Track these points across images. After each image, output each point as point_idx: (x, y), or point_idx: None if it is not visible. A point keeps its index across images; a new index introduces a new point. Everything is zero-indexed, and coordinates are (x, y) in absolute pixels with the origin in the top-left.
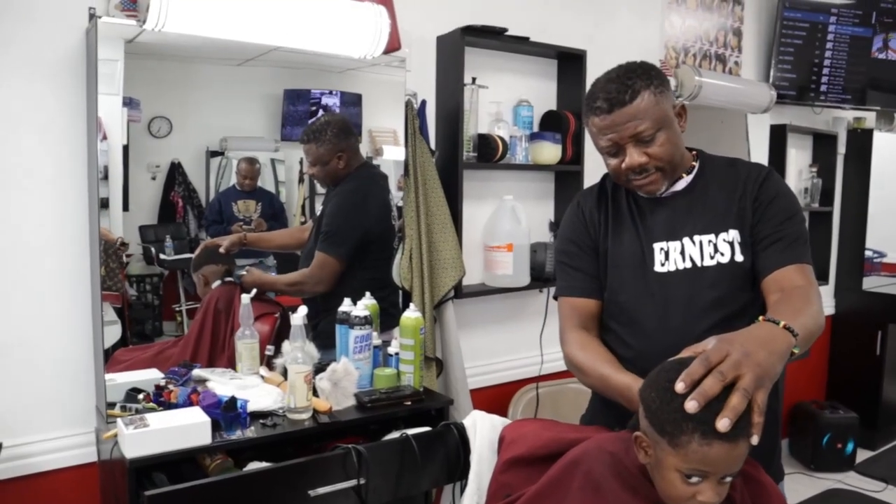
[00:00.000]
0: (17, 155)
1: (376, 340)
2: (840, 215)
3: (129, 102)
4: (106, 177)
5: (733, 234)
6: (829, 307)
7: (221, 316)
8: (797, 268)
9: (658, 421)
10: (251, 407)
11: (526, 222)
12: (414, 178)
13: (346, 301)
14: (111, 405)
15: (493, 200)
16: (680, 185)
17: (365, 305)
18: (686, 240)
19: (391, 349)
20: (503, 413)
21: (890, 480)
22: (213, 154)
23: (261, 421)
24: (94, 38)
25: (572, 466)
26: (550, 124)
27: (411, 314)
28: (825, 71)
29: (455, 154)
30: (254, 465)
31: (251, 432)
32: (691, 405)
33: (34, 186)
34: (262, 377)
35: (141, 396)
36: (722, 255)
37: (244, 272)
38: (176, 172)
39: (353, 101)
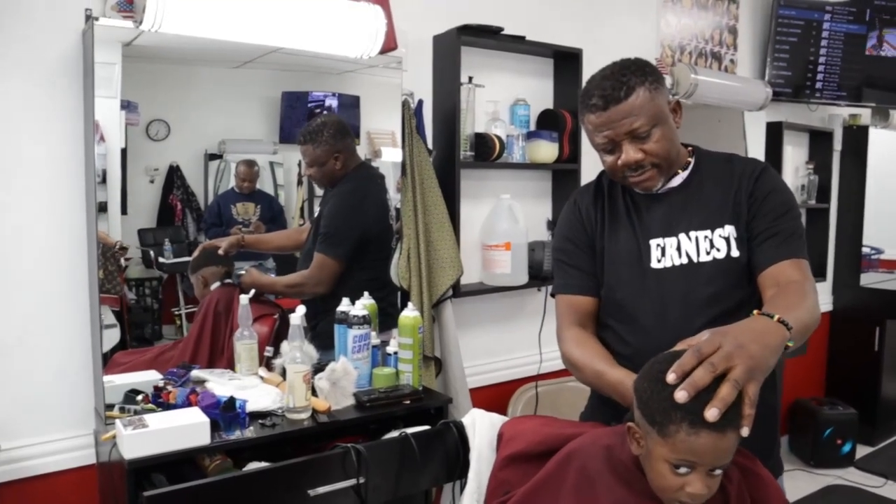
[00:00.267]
0: (14, 158)
1: (375, 340)
2: (837, 212)
3: (126, 105)
4: (104, 180)
5: (729, 230)
6: (827, 304)
7: (221, 318)
8: (793, 263)
9: (649, 411)
10: (250, 407)
11: (523, 221)
12: (411, 178)
13: (345, 301)
14: (110, 407)
15: (490, 199)
16: (676, 181)
17: (363, 305)
18: (682, 236)
19: (390, 348)
20: (502, 412)
21: (890, 476)
22: (212, 157)
23: (260, 421)
24: (91, 39)
25: (567, 461)
26: (547, 123)
27: (410, 313)
28: (820, 68)
29: (452, 153)
30: (253, 466)
31: (250, 432)
32: (681, 395)
33: (32, 189)
34: (261, 378)
35: (140, 398)
36: (718, 250)
37: (243, 272)
38: (174, 175)
39: (351, 104)
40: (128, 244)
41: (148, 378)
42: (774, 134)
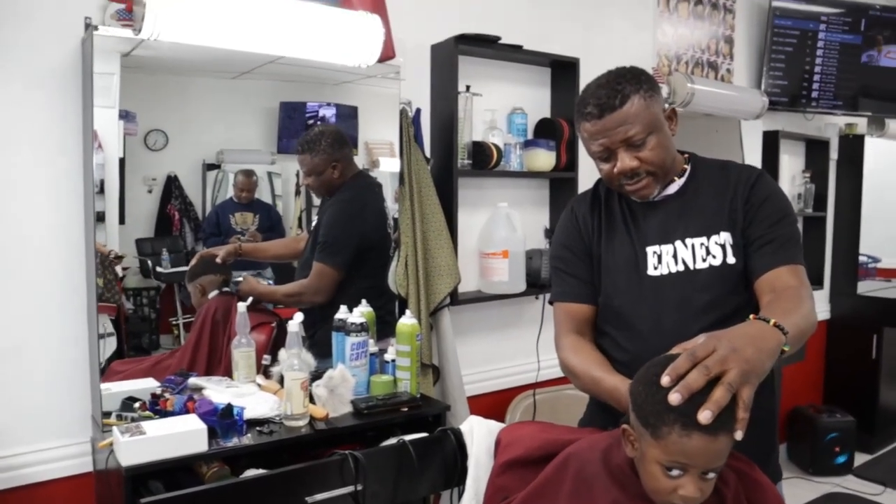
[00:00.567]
0: (12, 166)
1: (373, 348)
2: (834, 220)
3: (125, 115)
4: (102, 190)
5: (725, 237)
6: (824, 312)
7: (219, 326)
8: (789, 269)
9: (643, 413)
10: (248, 414)
11: (521, 229)
12: (409, 186)
13: (342, 308)
14: (107, 414)
15: (487, 208)
16: (672, 188)
17: (361, 313)
18: (678, 243)
19: (388, 356)
20: (500, 420)
21: (888, 483)
22: (210, 167)
23: (257, 428)
24: (90, 48)
25: (564, 465)
26: (544, 132)
27: (407, 321)
28: (816, 78)
29: (450, 162)
30: (250, 473)
31: (248, 439)
32: (674, 397)
33: (30, 198)
34: (259, 385)
35: (137, 405)
36: (714, 257)
37: (240, 279)
38: (172, 185)
39: (349, 114)
40: (124, 253)
41: (145, 386)
42: (771, 143)
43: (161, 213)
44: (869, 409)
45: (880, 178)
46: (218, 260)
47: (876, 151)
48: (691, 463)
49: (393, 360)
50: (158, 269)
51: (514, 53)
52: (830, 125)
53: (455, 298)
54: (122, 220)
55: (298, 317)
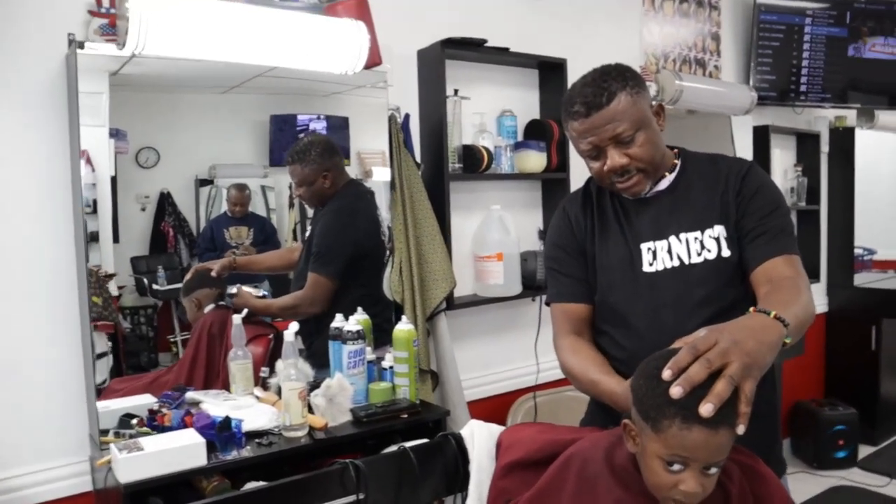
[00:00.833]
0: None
1: (370, 356)
2: (828, 213)
3: (115, 134)
4: (95, 210)
5: (719, 230)
6: (821, 305)
7: (215, 340)
8: (784, 259)
9: (644, 407)
10: (246, 427)
11: (514, 231)
12: (400, 192)
13: (338, 317)
14: (104, 432)
15: (480, 211)
16: (663, 184)
17: (357, 320)
18: (672, 238)
19: (385, 363)
20: (501, 424)
21: (894, 475)
22: (203, 182)
23: (256, 440)
24: (74, 65)
25: (567, 465)
26: (534, 133)
27: (404, 326)
28: (804, 71)
29: (440, 166)
30: (251, 486)
31: (247, 452)
32: (676, 391)
33: (18, 219)
34: (257, 397)
35: (134, 421)
36: (709, 251)
37: (234, 290)
38: (165, 202)
39: (340, 125)
40: (115, 272)
41: (142, 402)
42: (762, 138)
43: (155, 231)
44: (870, 401)
45: (871, 169)
46: (213, 274)
47: (866, 144)
48: (692, 457)
49: (391, 367)
50: (155, 286)
51: (501, 56)
52: (820, 118)
53: (451, 303)
54: (116, 239)
55: (294, 326)
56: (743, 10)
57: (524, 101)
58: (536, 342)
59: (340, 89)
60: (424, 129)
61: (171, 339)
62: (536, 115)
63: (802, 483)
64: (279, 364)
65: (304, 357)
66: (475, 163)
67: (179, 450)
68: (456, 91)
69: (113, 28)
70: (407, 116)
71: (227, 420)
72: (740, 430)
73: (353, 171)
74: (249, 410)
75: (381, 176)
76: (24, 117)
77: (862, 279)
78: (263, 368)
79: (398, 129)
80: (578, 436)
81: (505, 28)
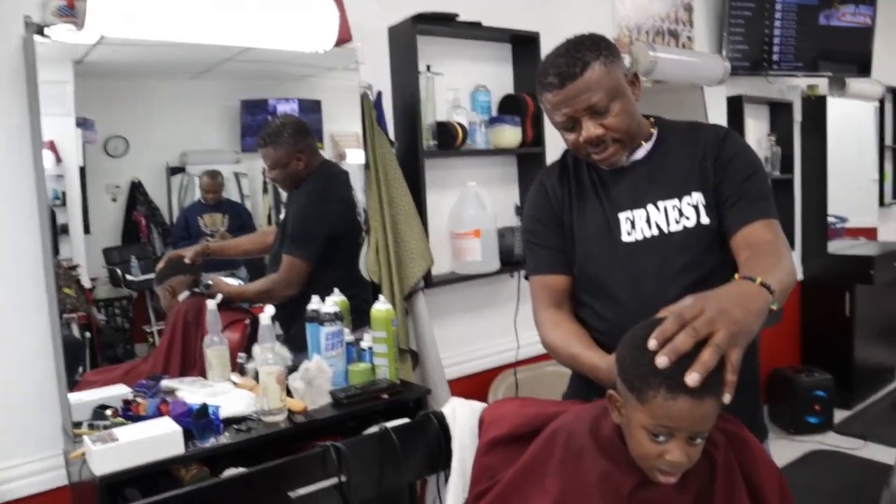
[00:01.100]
0: None
1: (349, 337)
2: (801, 182)
3: (83, 123)
4: (64, 202)
5: (697, 197)
6: (797, 273)
7: (191, 328)
8: (764, 223)
9: (628, 377)
10: (224, 413)
11: (491, 207)
12: (375, 171)
13: (315, 299)
14: (78, 424)
15: (456, 188)
16: (640, 153)
17: (334, 302)
18: (650, 207)
19: (364, 344)
20: (483, 401)
21: (868, 437)
22: (174, 170)
23: (235, 426)
24: (32, 49)
25: (551, 440)
26: (509, 108)
27: (382, 306)
28: (776, 41)
29: (415, 143)
30: (231, 472)
31: (225, 438)
32: (661, 360)
33: None
34: (234, 383)
35: (109, 412)
36: (687, 218)
37: (208, 281)
38: (137, 192)
39: (312, 108)
40: (79, 262)
41: (117, 392)
42: (735, 108)
43: (127, 221)
44: (845, 366)
45: (843, 138)
46: (186, 260)
47: (838, 112)
48: (677, 427)
49: (370, 348)
50: (129, 277)
51: (474, 30)
52: (793, 88)
53: (429, 281)
54: (87, 230)
55: (269, 310)
56: None
57: (498, 76)
58: (516, 318)
59: (312, 72)
60: (397, 106)
61: (147, 330)
62: (510, 90)
63: (780, 448)
64: (256, 348)
65: (282, 341)
66: (450, 139)
67: (155, 439)
68: (428, 67)
69: (71, 9)
70: (379, 94)
71: (204, 407)
72: (726, 399)
73: (326, 154)
74: (227, 396)
75: (355, 158)
76: None
77: (835, 247)
78: (241, 354)
79: (371, 108)
80: (562, 409)
81: (476, 2)
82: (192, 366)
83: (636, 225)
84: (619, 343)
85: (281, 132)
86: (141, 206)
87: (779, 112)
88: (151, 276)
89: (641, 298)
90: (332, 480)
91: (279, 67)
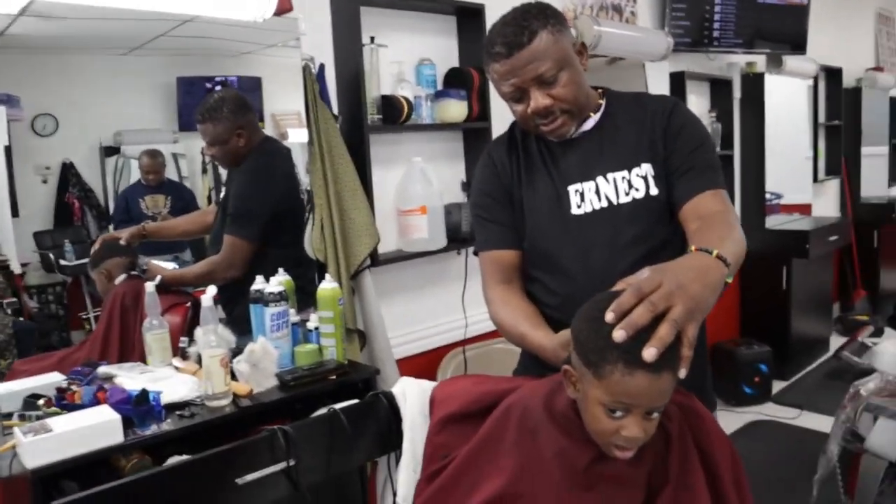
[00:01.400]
0: None
1: (294, 318)
2: (740, 158)
3: (6, 100)
4: None
5: (646, 168)
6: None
7: (129, 312)
8: (712, 193)
9: (584, 351)
10: (165, 399)
11: (437, 183)
12: (319, 146)
13: (259, 279)
14: (7, 416)
15: (402, 163)
16: (588, 124)
17: (279, 282)
18: (600, 178)
19: (310, 324)
20: (432, 380)
21: (804, 406)
22: (109, 151)
23: (177, 412)
24: None
25: (506, 415)
26: (454, 82)
27: (328, 285)
28: (717, 17)
29: (359, 117)
30: (174, 460)
31: (168, 425)
32: (619, 334)
33: None
34: (176, 368)
35: (41, 402)
36: (637, 190)
37: (144, 266)
38: (69, 173)
39: (252, 86)
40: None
41: (49, 381)
42: (678, 84)
43: (59, 203)
44: (782, 338)
45: (779, 114)
46: (122, 242)
47: (775, 90)
48: (634, 402)
49: (316, 328)
50: (62, 261)
51: (418, 1)
52: (732, 65)
53: (375, 259)
54: (15, 213)
55: (212, 290)
56: None
57: (443, 49)
58: (464, 295)
59: (252, 48)
60: (341, 79)
61: (84, 317)
62: (455, 63)
63: (721, 419)
64: (198, 331)
65: (225, 323)
66: (395, 114)
67: (92, 428)
68: (372, 39)
69: None
70: (322, 67)
71: (145, 393)
72: (682, 373)
73: (267, 133)
74: (168, 382)
75: (297, 138)
76: None
77: (771, 222)
78: (182, 338)
79: (313, 81)
80: (515, 385)
81: None
82: (132, 351)
83: (585, 197)
84: (575, 316)
85: (220, 107)
86: (73, 187)
87: (719, 89)
88: (86, 260)
89: (592, 271)
90: (281, 465)
91: (217, 44)
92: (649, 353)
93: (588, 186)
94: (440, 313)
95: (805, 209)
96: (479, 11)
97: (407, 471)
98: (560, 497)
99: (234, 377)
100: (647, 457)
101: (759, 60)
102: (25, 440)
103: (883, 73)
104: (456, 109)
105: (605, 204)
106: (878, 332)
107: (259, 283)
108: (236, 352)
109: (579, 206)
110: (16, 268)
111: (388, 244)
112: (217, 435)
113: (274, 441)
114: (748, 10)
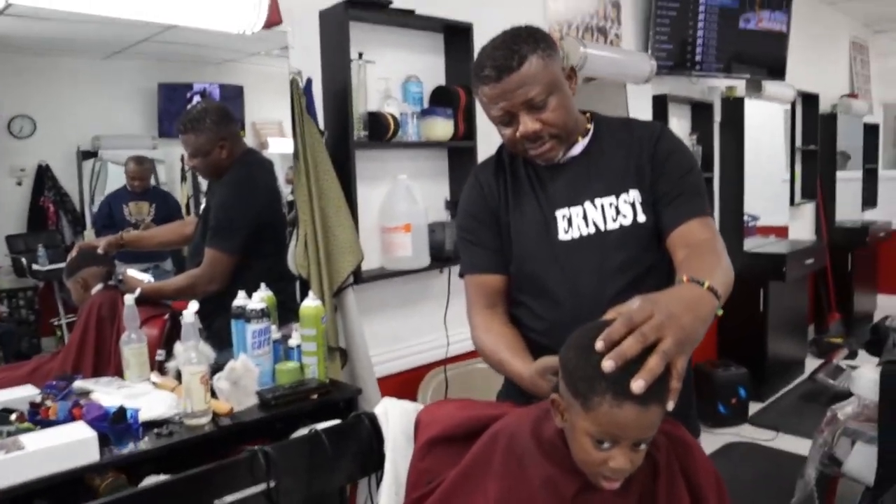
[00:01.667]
0: None
1: (276, 335)
2: (720, 180)
3: None
4: None
5: (634, 195)
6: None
7: (105, 323)
8: (699, 221)
9: (573, 381)
10: (143, 416)
11: (422, 202)
12: (304, 161)
13: (241, 294)
14: None
15: (387, 181)
16: (576, 149)
17: (261, 298)
18: (587, 204)
19: (292, 342)
20: (413, 399)
21: (780, 428)
22: (87, 155)
23: (155, 430)
24: None
25: (492, 442)
26: (441, 100)
27: (311, 303)
28: (699, 41)
29: (345, 133)
30: (151, 480)
31: (145, 444)
32: (608, 364)
33: None
34: (154, 383)
35: (13, 417)
36: (624, 216)
37: (120, 277)
38: (44, 176)
39: (234, 94)
40: None
41: (22, 394)
42: (660, 106)
43: (34, 206)
44: (759, 360)
45: (758, 138)
46: (100, 250)
47: (752, 115)
48: (622, 434)
49: (298, 346)
50: (35, 266)
51: (406, 18)
52: (713, 88)
53: (358, 277)
54: None
55: (193, 306)
56: None
57: (430, 67)
58: (446, 315)
59: (235, 56)
60: (328, 94)
61: (55, 323)
62: (442, 82)
63: (700, 442)
64: (178, 347)
65: (204, 338)
66: (381, 130)
67: (67, 446)
68: (360, 55)
69: None
70: (309, 81)
71: (122, 410)
72: (670, 406)
73: (248, 143)
74: (146, 398)
75: (277, 147)
76: None
77: (749, 244)
78: (160, 352)
79: (300, 94)
80: (501, 412)
81: None
82: (107, 363)
83: (573, 223)
84: (565, 344)
85: (203, 118)
86: (49, 190)
87: (700, 112)
88: (61, 265)
89: (579, 297)
90: (261, 486)
91: (200, 51)
92: (638, 385)
93: (576, 211)
94: (422, 332)
95: (781, 231)
96: (467, 30)
97: (388, 493)
98: None
99: (213, 395)
100: (635, 487)
101: (740, 85)
102: None
103: (857, 100)
104: (442, 128)
105: (592, 230)
106: (852, 355)
107: (241, 300)
108: (216, 368)
109: (566, 232)
110: None
111: (372, 262)
112: (196, 454)
113: (254, 462)
114: (730, 36)
